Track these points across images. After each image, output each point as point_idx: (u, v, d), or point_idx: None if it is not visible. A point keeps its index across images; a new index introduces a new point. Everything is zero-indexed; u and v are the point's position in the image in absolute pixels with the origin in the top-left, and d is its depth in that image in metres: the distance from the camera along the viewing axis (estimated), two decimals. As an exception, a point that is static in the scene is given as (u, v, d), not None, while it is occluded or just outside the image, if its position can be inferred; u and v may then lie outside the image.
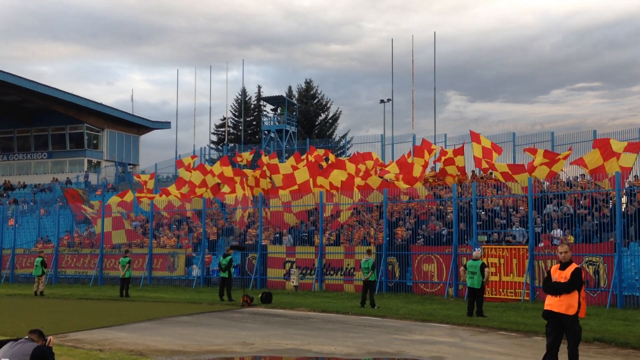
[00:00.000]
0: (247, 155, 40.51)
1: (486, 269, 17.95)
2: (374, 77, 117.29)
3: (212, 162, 49.95)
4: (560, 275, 9.40)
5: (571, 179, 26.32)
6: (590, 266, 19.90)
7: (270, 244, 29.15)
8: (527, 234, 22.35)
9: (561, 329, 9.30)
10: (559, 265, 9.58)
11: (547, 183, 25.55)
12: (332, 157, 36.33)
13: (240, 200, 30.96)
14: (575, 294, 9.27)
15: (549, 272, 9.68)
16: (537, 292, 20.98)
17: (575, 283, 9.28)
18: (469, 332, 14.58)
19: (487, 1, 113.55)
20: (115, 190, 46.01)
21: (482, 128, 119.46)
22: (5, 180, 55.22)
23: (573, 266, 9.43)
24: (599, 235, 21.35)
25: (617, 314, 17.52)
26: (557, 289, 9.34)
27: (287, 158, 41.41)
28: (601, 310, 18.25)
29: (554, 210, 23.07)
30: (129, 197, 35.47)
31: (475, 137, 29.44)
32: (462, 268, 18.44)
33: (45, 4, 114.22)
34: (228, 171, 34.48)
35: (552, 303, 9.37)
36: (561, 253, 9.63)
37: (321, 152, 36.67)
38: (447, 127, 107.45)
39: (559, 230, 22.07)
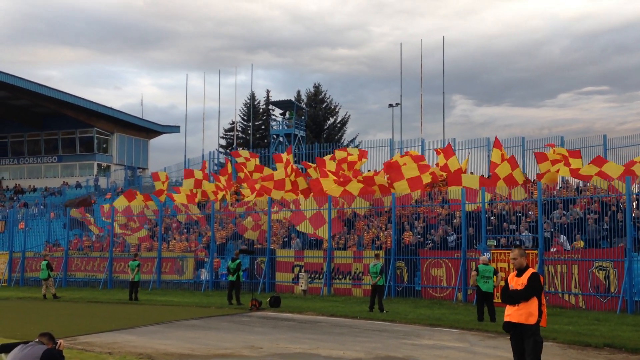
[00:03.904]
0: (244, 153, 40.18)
1: (498, 274, 17.92)
2: (381, 82, 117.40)
3: (220, 166, 50.09)
4: (517, 283, 8.76)
5: (581, 184, 26.22)
6: (600, 271, 19.81)
7: (278, 247, 29.16)
8: (535, 238, 22.26)
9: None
10: (515, 272, 8.94)
11: (557, 188, 25.47)
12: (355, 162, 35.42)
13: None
14: (535, 301, 8.64)
15: (506, 281, 9.04)
16: (547, 298, 20.88)
17: (532, 289, 8.63)
18: (478, 337, 14.53)
19: (495, 5, 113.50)
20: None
21: (488, 132, 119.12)
22: (16, 184, 55.56)
23: (530, 271, 8.80)
24: (609, 240, 21.25)
25: (628, 319, 17.41)
26: (515, 297, 8.70)
27: (296, 162, 41.43)
28: (611, 315, 18.15)
29: (563, 215, 22.96)
30: (137, 201, 35.63)
31: (497, 144, 28.90)
32: (474, 272, 18.26)
33: (53, 8, 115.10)
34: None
35: (510, 313, 8.74)
36: (512, 259, 9.03)
37: (355, 153, 35.48)
38: (453, 131, 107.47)
39: (563, 236, 21.98)
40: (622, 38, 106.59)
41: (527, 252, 21.34)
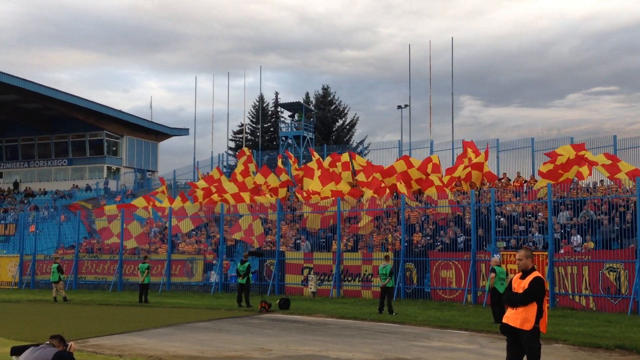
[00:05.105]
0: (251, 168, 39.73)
1: (509, 276, 17.85)
2: (389, 83, 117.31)
3: (230, 168, 50.18)
4: (520, 285, 8.50)
5: (590, 184, 26.10)
6: (611, 273, 19.72)
7: (288, 250, 29.19)
8: (545, 240, 22.19)
9: (521, 344, 8.45)
10: (520, 274, 8.67)
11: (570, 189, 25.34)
12: (361, 160, 35.60)
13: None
14: (533, 306, 8.35)
15: (510, 282, 8.82)
16: (557, 299, 20.81)
17: (532, 294, 8.33)
18: (488, 339, 14.49)
19: (504, 6, 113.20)
20: (134, 196, 46.34)
21: (497, 133, 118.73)
22: (26, 187, 55.85)
23: (533, 275, 8.49)
24: (619, 241, 21.14)
25: (639, 320, 17.32)
26: (513, 301, 8.48)
27: (304, 164, 41.42)
28: (622, 317, 18.06)
29: (569, 218, 22.86)
30: (141, 203, 35.87)
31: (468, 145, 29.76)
32: (492, 274, 18.04)
33: (63, 11, 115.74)
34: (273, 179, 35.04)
35: (508, 316, 8.52)
36: (517, 260, 8.77)
37: (345, 157, 36.03)
38: (462, 132, 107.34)
39: (578, 236, 21.88)
40: (632, 38, 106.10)
41: (537, 253, 21.36)
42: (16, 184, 57.14)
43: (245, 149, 41.36)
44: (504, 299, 8.85)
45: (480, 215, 24.21)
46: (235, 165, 42.78)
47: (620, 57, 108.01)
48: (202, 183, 36.85)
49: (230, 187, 34.18)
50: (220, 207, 31.60)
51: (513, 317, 8.46)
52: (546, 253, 21.18)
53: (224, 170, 48.65)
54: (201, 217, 33.78)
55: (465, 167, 29.86)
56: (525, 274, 8.60)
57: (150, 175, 57.12)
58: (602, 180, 26.46)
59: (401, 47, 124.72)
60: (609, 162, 25.09)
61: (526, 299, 8.37)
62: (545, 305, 8.58)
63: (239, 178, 36.76)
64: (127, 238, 33.15)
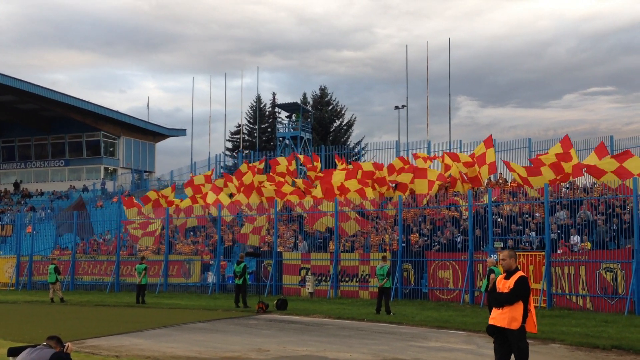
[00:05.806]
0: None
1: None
2: (386, 84, 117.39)
3: (228, 169, 50.15)
4: (505, 285, 8.55)
5: (587, 185, 26.13)
6: (608, 273, 19.74)
7: (285, 250, 29.17)
8: (542, 239, 22.20)
9: (508, 345, 8.49)
10: (505, 274, 8.73)
11: (564, 189, 25.36)
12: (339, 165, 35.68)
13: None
14: (520, 305, 8.41)
15: (494, 282, 8.85)
16: (555, 299, 20.84)
17: (517, 293, 8.39)
18: (486, 340, 14.48)
19: (502, 6, 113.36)
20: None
21: (494, 134, 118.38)
22: (23, 188, 55.76)
23: (518, 274, 8.57)
24: (616, 241, 21.17)
25: (636, 321, 17.34)
26: (499, 300, 8.50)
27: (302, 165, 41.43)
28: (619, 317, 18.08)
29: (564, 218, 22.89)
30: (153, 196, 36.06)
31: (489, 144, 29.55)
32: (492, 275, 17.98)
33: (61, 12, 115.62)
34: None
35: (495, 316, 8.54)
36: (501, 260, 8.82)
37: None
38: (458, 132, 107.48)
39: (577, 236, 21.90)
40: (629, 38, 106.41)
41: (535, 254, 21.39)
42: (17, 185, 57.09)
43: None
44: (490, 299, 8.85)
45: (477, 215, 24.23)
46: (233, 167, 42.75)
47: (617, 57, 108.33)
48: (189, 190, 37.15)
49: (210, 197, 34.23)
50: (218, 208, 31.56)
51: (499, 317, 8.50)
52: (543, 253, 21.20)
53: (221, 171, 48.61)
54: (206, 218, 33.75)
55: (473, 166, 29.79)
56: (509, 274, 8.66)
57: (147, 176, 57.08)
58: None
59: (399, 48, 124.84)
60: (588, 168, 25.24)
61: (513, 298, 8.43)
62: (532, 305, 8.63)
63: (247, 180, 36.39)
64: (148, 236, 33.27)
